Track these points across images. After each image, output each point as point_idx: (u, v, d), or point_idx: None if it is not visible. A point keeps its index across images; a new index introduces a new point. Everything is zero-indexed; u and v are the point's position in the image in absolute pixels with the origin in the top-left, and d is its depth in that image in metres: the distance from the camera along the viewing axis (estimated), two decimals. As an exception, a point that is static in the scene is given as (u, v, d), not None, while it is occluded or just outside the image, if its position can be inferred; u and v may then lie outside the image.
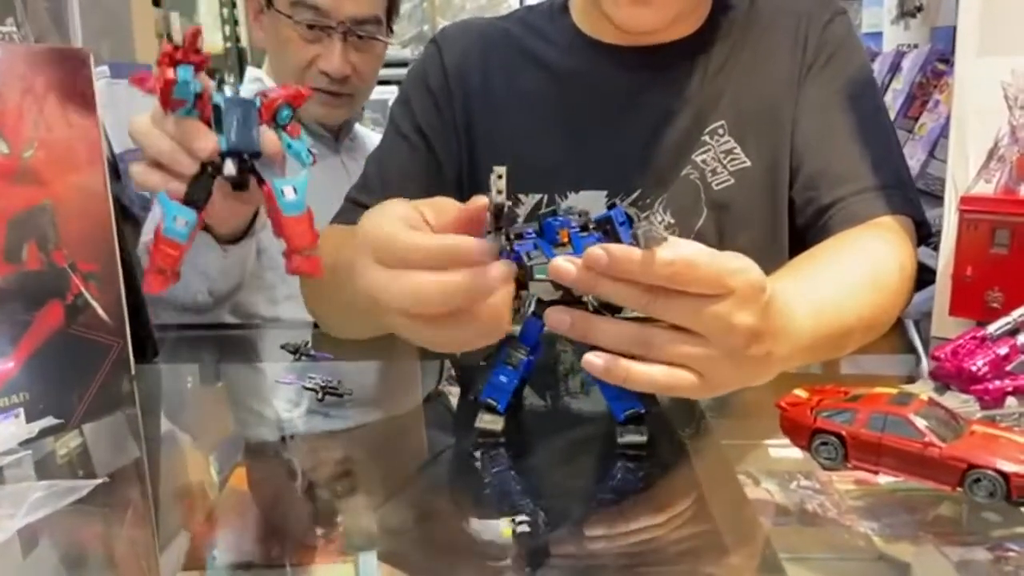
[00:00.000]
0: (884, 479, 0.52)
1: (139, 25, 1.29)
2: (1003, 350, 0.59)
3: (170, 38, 0.59)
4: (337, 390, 0.69)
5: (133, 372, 0.67)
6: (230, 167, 0.62)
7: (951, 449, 0.48)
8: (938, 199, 0.85)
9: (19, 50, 0.64)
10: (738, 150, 0.93)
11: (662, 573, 0.46)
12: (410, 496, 0.58)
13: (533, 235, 0.54)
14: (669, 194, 0.93)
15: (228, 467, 0.63)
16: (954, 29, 0.81)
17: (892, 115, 1.54)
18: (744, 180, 0.93)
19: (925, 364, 0.78)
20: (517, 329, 0.58)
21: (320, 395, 0.69)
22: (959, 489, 0.48)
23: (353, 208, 0.96)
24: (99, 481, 0.55)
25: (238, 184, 0.63)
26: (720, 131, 0.93)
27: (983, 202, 0.77)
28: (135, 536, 0.51)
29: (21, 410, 0.62)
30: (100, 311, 0.68)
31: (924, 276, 0.84)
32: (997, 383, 0.58)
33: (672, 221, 0.93)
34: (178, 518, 0.55)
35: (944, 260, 0.81)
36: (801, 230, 0.92)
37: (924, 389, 0.58)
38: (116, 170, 1.12)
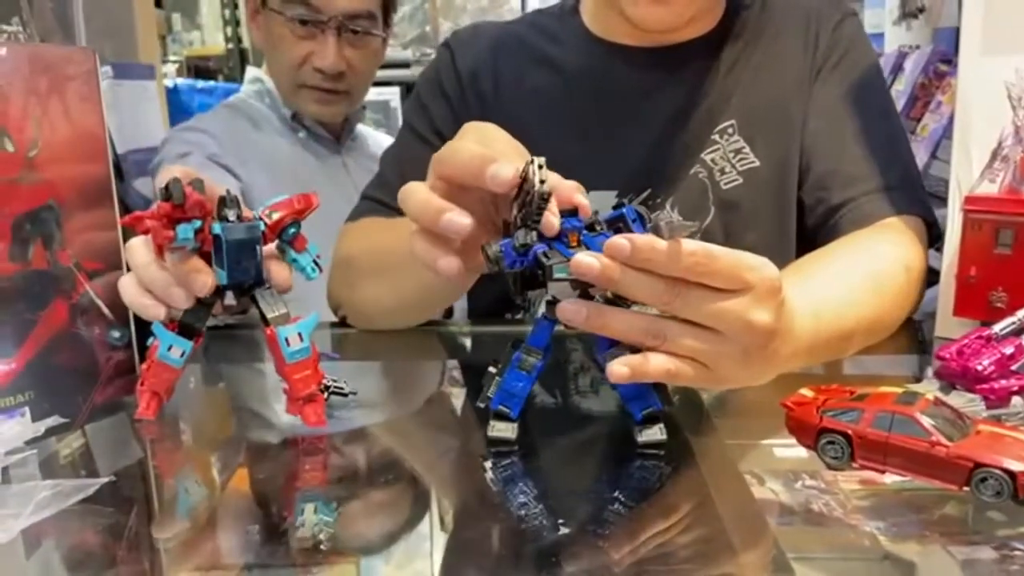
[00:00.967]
0: (890, 478, 0.52)
1: (142, 25, 1.29)
2: (1008, 349, 0.59)
3: (168, 196, 0.57)
4: (342, 390, 0.68)
5: (138, 372, 0.67)
6: (230, 299, 0.62)
7: (957, 448, 0.48)
8: (941, 200, 0.85)
9: (24, 50, 0.64)
10: (747, 150, 0.93)
11: (670, 572, 0.46)
12: (416, 497, 0.58)
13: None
14: (677, 193, 0.94)
15: (230, 467, 0.63)
16: (956, 30, 0.81)
17: (894, 116, 1.53)
18: (752, 180, 0.93)
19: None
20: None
21: (325, 395, 0.69)
22: (966, 488, 0.48)
23: (370, 205, 0.96)
24: (105, 480, 0.55)
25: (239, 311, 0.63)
26: (730, 130, 0.93)
27: (987, 202, 0.77)
28: (140, 536, 0.51)
29: (27, 409, 0.62)
30: (105, 310, 0.68)
31: (928, 277, 0.85)
32: (1003, 382, 0.58)
33: (680, 219, 0.94)
34: (182, 518, 0.55)
35: (948, 261, 0.81)
36: (811, 230, 0.92)
37: (930, 388, 0.58)
38: (120, 170, 1.12)
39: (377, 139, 1.52)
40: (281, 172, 1.29)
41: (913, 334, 0.87)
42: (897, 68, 1.68)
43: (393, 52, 1.41)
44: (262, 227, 0.61)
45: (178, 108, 1.92)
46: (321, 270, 0.65)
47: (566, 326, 0.55)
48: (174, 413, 0.69)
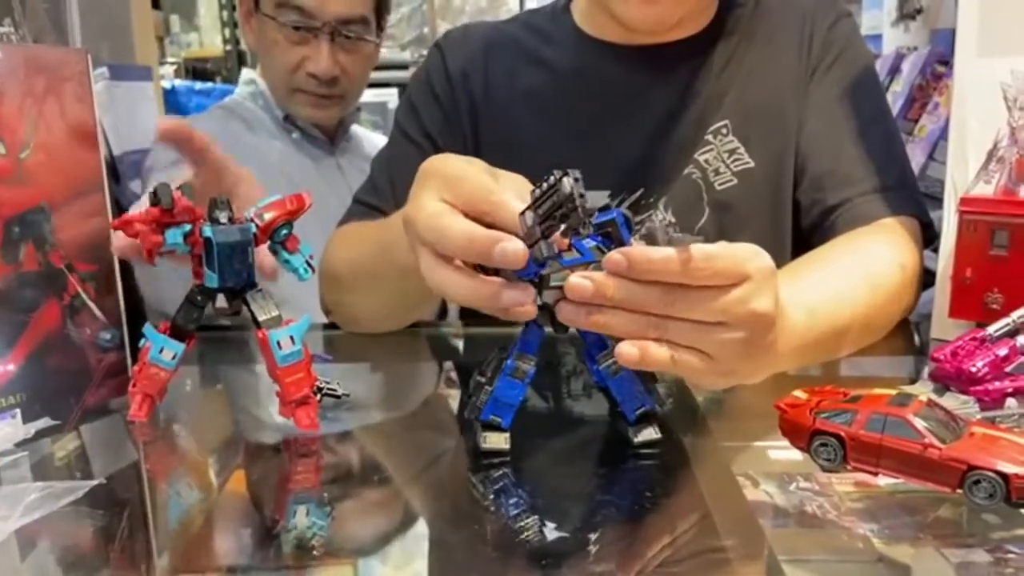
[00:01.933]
0: (883, 480, 0.52)
1: (139, 26, 1.29)
2: (1003, 351, 0.59)
3: (157, 201, 0.58)
4: (335, 392, 0.68)
5: (131, 374, 0.67)
6: (222, 301, 0.62)
7: (951, 450, 0.48)
8: (937, 201, 0.85)
9: (17, 51, 0.64)
10: (741, 150, 0.93)
11: (662, 575, 0.46)
12: (411, 499, 0.58)
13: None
14: (671, 193, 0.93)
15: (226, 469, 0.62)
16: (954, 31, 0.81)
17: (891, 117, 1.53)
18: (747, 180, 0.93)
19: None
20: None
21: (318, 397, 0.69)
22: (959, 491, 0.48)
23: (361, 209, 0.96)
24: (95, 482, 0.55)
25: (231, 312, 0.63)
26: (724, 131, 0.93)
27: (982, 203, 0.76)
28: (132, 538, 0.51)
29: (18, 411, 0.62)
30: (97, 312, 0.67)
31: (924, 278, 0.84)
32: (997, 384, 0.58)
33: (673, 220, 0.93)
34: (176, 520, 0.54)
35: (943, 262, 0.81)
36: (806, 231, 0.92)
37: (923, 390, 0.58)
38: (115, 171, 1.12)
39: (372, 140, 1.51)
40: (275, 173, 1.29)
41: (909, 336, 0.87)
42: (895, 69, 1.68)
43: (391, 54, 1.41)
44: (253, 229, 0.61)
45: (176, 110, 1.92)
46: (314, 271, 0.65)
47: (554, 328, 0.54)
48: (167, 415, 0.69)
